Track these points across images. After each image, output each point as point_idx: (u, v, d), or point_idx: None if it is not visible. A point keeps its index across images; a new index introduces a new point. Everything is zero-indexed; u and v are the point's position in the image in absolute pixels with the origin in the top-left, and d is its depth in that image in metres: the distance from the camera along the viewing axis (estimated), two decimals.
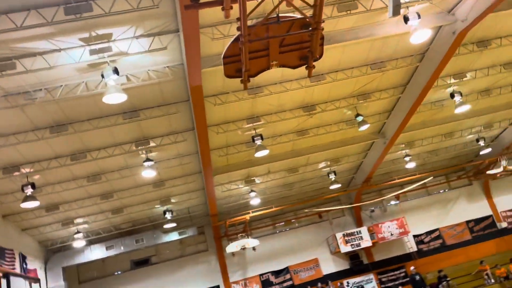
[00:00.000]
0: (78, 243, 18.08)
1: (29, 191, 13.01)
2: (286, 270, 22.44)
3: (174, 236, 20.52)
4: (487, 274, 20.70)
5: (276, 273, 22.36)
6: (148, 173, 14.12)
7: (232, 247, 20.44)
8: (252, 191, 19.51)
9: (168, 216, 18.82)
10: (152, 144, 13.59)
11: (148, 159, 13.76)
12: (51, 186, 14.48)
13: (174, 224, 19.36)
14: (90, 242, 19.64)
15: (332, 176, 19.77)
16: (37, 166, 12.98)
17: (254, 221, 22.51)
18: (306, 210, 22.39)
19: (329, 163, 19.30)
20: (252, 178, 18.75)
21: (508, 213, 23.69)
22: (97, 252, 19.86)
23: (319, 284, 21.40)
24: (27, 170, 12.95)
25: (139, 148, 13.57)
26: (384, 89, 14.48)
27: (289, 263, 22.51)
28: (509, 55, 14.24)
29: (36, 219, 16.62)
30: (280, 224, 23.29)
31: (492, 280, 20.50)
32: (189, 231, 20.73)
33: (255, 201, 19.74)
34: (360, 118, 14.91)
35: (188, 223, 21.22)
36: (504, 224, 23.36)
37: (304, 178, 20.34)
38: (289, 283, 22.17)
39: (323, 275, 22.28)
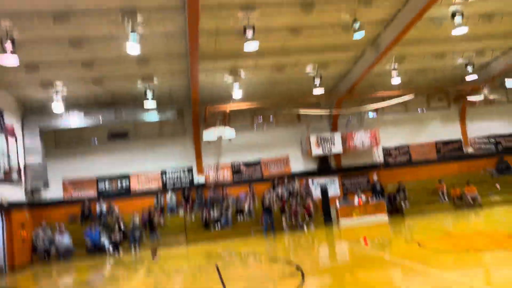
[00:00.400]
0: (57, 108, 18.09)
1: (9, 47, 12.61)
2: (257, 163, 23.51)
3: (153, 116, 20.82)
4: (442, 192, 22.26)
5: (248, 164, 23.45)
6: (133, 47, 13.73)
7: (209, 134, 20.98)
8: (236, 82, 19.46)
9: (149, 95, 18.83)
10: (139, 19, 13.04)
11: (133, 31, 13.29)
12: (31, 45, 14.03)
13: (154, 103, 19.44)
14: (69, 109, 19.70)
15: (317, 81, 19.77)
16: (17, 22, 12.43)
17: (234, 113, 22.86)
18: (286, 110, 22.75)
19: (316, 66, 19.15)
20: (238, 70, 18.59)
21: (476, 140, 24.71)
22: (75, 120, 20.08)
23: (286, 179, 22.72)
24: (7, 24, 12.40)
25: (126, 18, 13.01)
26: None
27: (262, 156, 23.52)
28: None
29: (14, 77, 16.39)
30: (259, 119, 23.75)
31: (446, 199, 22.11)
32: (168, 113, 21.01)
33: (237, 93, 19.79)
34: (357, 25, 14.52)
35: (168, 104, 21.38)
36: (470, 149, 24.51)
37: (289, 78, 20.31)
38: (258, 174, 23.38)
39: (291, 172, 23.49)
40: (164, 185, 22.64)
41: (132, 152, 22.48)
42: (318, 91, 20.16)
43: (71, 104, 19.25)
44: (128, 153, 22.42)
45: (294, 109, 22.68)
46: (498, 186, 22.78)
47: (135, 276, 13.04)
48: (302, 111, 22.76)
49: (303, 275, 9.94)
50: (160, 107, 20.46)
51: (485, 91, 22.08)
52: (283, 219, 20.49)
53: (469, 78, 21.23)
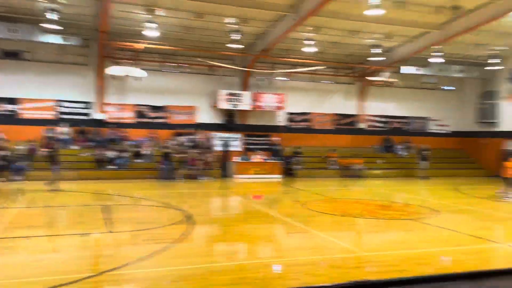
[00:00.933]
0: None
1: None
2: (163, 108, 22.98)
3: (54, 39, 19.07)
4: (333, 161, 23.97)
5: (153, 108, 22.82)
6: None
7: (115, 70, 19.89)
8: (151, 21, 18.44)
9: (52, 15, 17.04)
10: None
11: None
12: None
13: (56, 26, 17.71)
14: None
15: (235, 35, 19.53)
16: None
17: (144, 53, 21.83)
18: (199, 59, 22.30)
19: (236, 20, 18.88)
20: (155, 8, 17.60)
21: (370, 117, 26.74)
22: None
23: (192, 130, 22.67)
24: None
25: None
26: None
27: (168, 103, 23.01)
28: None
29: None
30: (171, 64, 23.00)
31: (335, 166, 23.88)
32: (72, 39, 19.38)
33: (152, 33, 18.81)
34: None
35: (73, 31, 19.66)
36: (363, 125, 26.49)
37: (208, 27, 19.79)
38: (163, 120, 22.94)
39: (196, 122, 23.41)
40: (58, 116, 21.17)
41: (25, 75, 20.53)
42: (235, 45, 19.99)
43: None
44: (21, 75, 20.44)
45: (208, 60, 22.33)
46: (380, 161, 25.12)
47: (10, 209, 12.25)
48: (216, 63, 22.51)
49: (190, 222, 10.19)
50: (63, 31, 18.72)
51: (386, 73, 23.78)
52: (182, 168, 20.54)
53: (374, 58, 22.57)
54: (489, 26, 19.15)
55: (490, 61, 23.77)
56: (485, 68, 25.06)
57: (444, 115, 28.07)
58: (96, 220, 10.32)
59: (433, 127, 28.00)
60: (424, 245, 8.57)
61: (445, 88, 28.04)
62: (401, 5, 17.02)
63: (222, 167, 22.36)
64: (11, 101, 20.53)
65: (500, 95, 25.60)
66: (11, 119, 20.45)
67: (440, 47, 21.77)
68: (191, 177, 20.72)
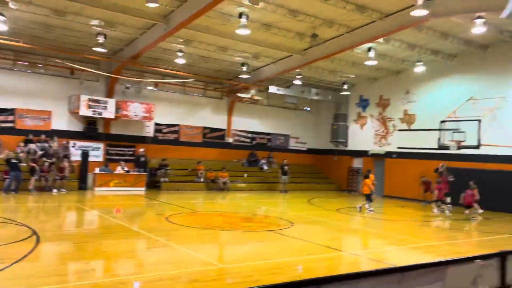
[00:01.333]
0: None
1: None
2: (11, 111, 20.48)
3: None
4: (200, 173, 24.05)
5: None
6: None
7: None
8: (1, 14, 16.42)
9: None
10: None
11: None
12: None
13: None
14: None
15: (101, 38, 18.48)
16: None
17: None
18: (58, 60, 20.54)
19: (103, 23, 17.90)
20: (6, 0, 15.70)
21: (237, 132, 27.62)
22: None
23: (43, 136, 20.59)
24: None
25: None
26: None
27: (18, 105, 20.60)
28: (296, 3, 15.83)
29: None
30: (23, 63, 20.72)
31: (202, 179, 23.99)
32: None
33: (0, 26, 16.75)
34: None
35: None
36: (230, 140, 27.21)
37: (70, 27, 18.34)
38: (10, 125, 20.42)
39: (52, 129, 21.39)
40: None
41: None
42: (100, 49, 18.89)
43: None
44: None
45: (69, 62, 20.69)
46: (245, 175, 26.07)
47: None
48: (77, 66, 20.97)
49: (38, 240, 9.20)
50: None
51: (253, 91, 24.90)
52: (32, 178, 18.47)
53: (242, 76, 23.48)
54: (342, 55, 21.48)
55: (342, 86, 26.62)
56: (338, 92, 27.97)
57: (302, 134, 30.40)
58: None
59: (292, 144, 30.09)
60: (280, 255, 9.05)
61: (305, 108, 30.45)
62: (268, 28, 18.05)
63: (80, 178, 20.74)
64: None
65: (349, 118, 28.73)
66: None
67: (300, 70, 23.68)
68: (43, 189, 18.78)
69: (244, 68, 22.67)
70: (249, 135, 28.17)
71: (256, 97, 25.06)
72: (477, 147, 18.96)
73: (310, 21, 16.97)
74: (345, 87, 26.61)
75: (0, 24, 16.56)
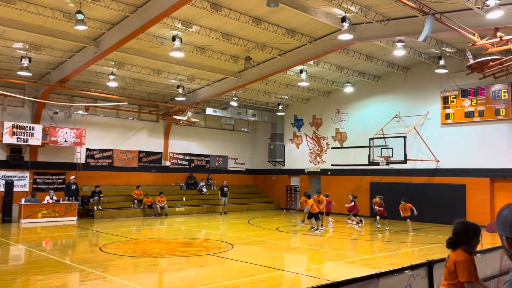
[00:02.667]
0: None
1: None
2: None
3: None
4: (136, 199, 23.24)
5: None
6: None
7: None
8: None
9: None
10: None
11: None
12: None
13: None
14: None
15: (25, 62, 17.57)
16: None
17: None
18: None
19: (27, 46, 17.06)
20: None
21: (175, 155, 27.17)
22: None
23: None
24: None
25: None
26: (116, 0, 13.85)
27: None
28: (229, 27, 16.13)
29: None
30: None
31: (136, 206, 23.21)
32: None
33: None
34: (80, 16, 13.73)
35: None
36: (168, 163, 26.68)
37: None
38: None
39: None
40: None
41: None
42: (24, 73, 17.93)
43: None
44: None
45: None
46: (184, 198, 25.61)
47: None
48: (0, 91, 19.70)
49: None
50: None
51: (189, 113, 24.73)
52: None
53: (178, 98, 23.30)
54: (276, 77, 22.09)
55: (277, 107, 27.27)
56: (274, 113, 28.60)
57: (240, 154, 30.57)
58: None
59: (231, 165, 30.12)
60: (221, 279, 8.94)
61: (242, 129, 30.75)
62: (202, 51, 18.16)
63: (4, 210, 19.24)
64: None
65: (285, 137, 29.40)
66: None
67: (236, 92, 23.98)
68: None
69: (180, 91, 22.53)
70: (187, 157, 27.84)
71: (193, 119, 24.91)
72: (404, 162, 20.13)
73: (243, 44, 17.32)
74: (280, 107, 27.28)
75: None
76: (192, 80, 22.38)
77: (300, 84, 22.19)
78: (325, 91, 26.19)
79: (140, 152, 25.65)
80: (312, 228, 17.08)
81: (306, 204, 17.61)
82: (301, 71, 20.73)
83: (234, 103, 25.40)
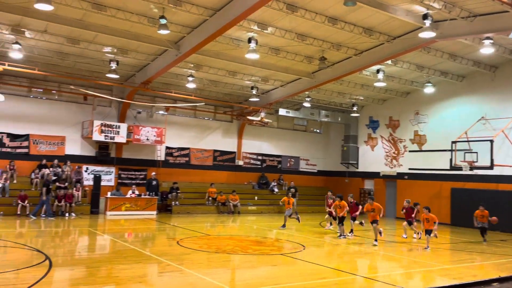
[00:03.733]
0: None
1: None
2: (25, 137, 20.83)
3: None
4: (211, 197, 24.02)
5: (13, 136, 20.54)
6: None
7: None
8: (17, 43, 16.94)
9: None
10: None
11: None
12: None
13: None
14: None
15: (113, 65, 18.91)
16: None
17: (7, 76, 19.85)
18: (72, 87, 20.96)
19: (115, 50, 18.35)
20: (22, 29, 16.23)
21: (248, 155, 27.68)
22: None
23: (56, 161, 20.87)
24: None
25: None
26: (197, 5, 14.43)
27: (32, 131, 20.96)
28: (304, 28, 16.10)
29: None
30: (39, 90, 21.21)
31: (210, 203, 23.96)
32: None
33: (16, 54, 17.25)
34: (163, 21, 14.53)
35: None
36: (241, 162, 27.25)
37: (83, 54, 18.83)
38: (25, 150, 20.73)
39: (65, 154, 21.67)
40: None
41: None
42: (113, 75, 19.29)
43: None
44: None
45: (82, 88, 21.11)
46: (256, 198, 25.99)
47: None
48: (91, 92, 21.38)
49: (50, 265, 9.24)
50: None
51: (262, 114, 25.07)
52: (44, 204, 18.64)
53: (252, 99, 23.72)
54: (351, 77, 21.65)
55: (351, 108, 26.71)
56: (348, 114, 28.04)
57: (312, 155, 30.35)
58: None
59: (303, 166, 30.01)
60: (292, 279, 8.96)
61: (315, 130, 30.54)
62: (277, 52, 18.32)
63: (92, 203, 20.86)
64: None
65: (359, 139, 28.68)
66: None
67: (309, 93, 23.86)
68: (56, 214, 18.90)
69: (254, 92, 22.91)
70: (259, 157, 28.21)
71: (266, 120, 25.20)
72: (490, 167, 18.75)
73: (318, 44, 17.20)
74: (355, 108, 26.68)
75: (16, 52, 17.08)
76: (266, 81, 22.64)
77: (376, 84, 21.54)
78: (403, 91, 25.17)
79: (215, 151, 26.46)
80: (340, 235, 15.69)
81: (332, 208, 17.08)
82: (378, 71, 20.12)
83: (307, 104, 25.28)
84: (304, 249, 12.89)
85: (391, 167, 26.28)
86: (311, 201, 27.47)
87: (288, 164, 29.38)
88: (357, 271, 10.84)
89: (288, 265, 10.72)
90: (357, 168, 28.59)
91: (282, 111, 26.19)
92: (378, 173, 26.93)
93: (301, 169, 29.82)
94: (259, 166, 28.21)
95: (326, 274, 9.72)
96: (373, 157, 27.56)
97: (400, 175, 25.48)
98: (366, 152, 28.19)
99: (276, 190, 27.25)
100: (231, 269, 10.45)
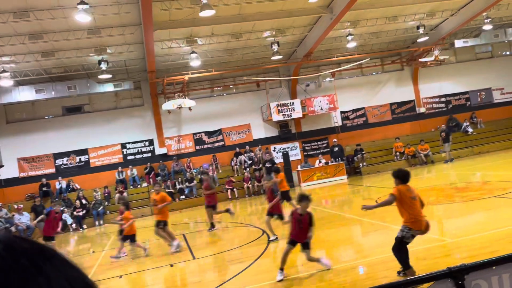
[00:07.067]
0: (5, 82, 17.26)
1: None
2: (219, 132, 23.55)
3: (109, 88, 20.15)
4: (398, 151, 23.20)
5: (209, 134, 23.45)
6: (82, 17, 13.22)
7: (168, 105, 20.72)
8: (193, 52, 19.17)
9: (103, 66, 18.25)
10: None
11: (82, 2, 12.75)
12: None
13: (109, 76, 18.92)
14: (19, 83, 18.90)
15: (275, 47, 19.78)
16: None
17: (193, 83, 22.62)
18: (245, 78, 22.72)
19: (274, 33, 19.13)
20: (194, 39, 18.28)
21: (428, 100, 25.73)
22: (26, 94, 19.16)
23: (247, 147, 23.00)
24: None
25: None
26: None
27: (223, 125, 23.54)
28: None
29: None
30: (218, 88, 23.64)
31: (399, 158, 23.13)
32: (125, 84, 20.41)
33: (195, 62, 19.54)
34: None
35: (124, 76, 20.86)
36: (422, 109, 25.51)
37: (247, 45, 20.20)
38: (221, 143, 23.49)
39: (253, 139, 23.73)
40: (125, 158, 22.31)
41: (89, 126, 21.86)
42: (276, 57, 20.21)
43: (20, 78, 18.43)
44: (85, 127, 21.80)
45: (253, 76, 22.69)
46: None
47: (97, 253, 13.01)
48: (261, 78, 22.81)
49: (269, 238, 10.30)
50: (115, 79, 19.95)
51: (436, 52, 22.85)
52: (245, 186, 20.85)
53: (420, 39, 21.84)
54: None
55: None
56: None
57: (508, 83, 26.37)
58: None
59: (497, 97, 26.39)
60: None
61: (504, 53, 26.45)
62: None
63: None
64: (81, 152, 21.89)
65: None
66: (84, 169, 21.80)
67: (488, 13, 20.70)
68: (257, 193, 20.92)
69: (421, 31, 21.08)
70: (443, 99, 25.91)
71: (441, 57, 22.91)
72: None
73: None
74: None
75: (195, 60, 19.32)
76: (433, 15, 20.53)
77: None
78: None
79: (391, 104, 25.37)
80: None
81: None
82: None
83: (487, 27, 21.99)
84: None
85: None
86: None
87: (479, 99, 26.22)
88: None
89: (505, 207, 9.70)
90: None
91: (458, 43, 23.38)
92: None
93: (496, 101, 26.30)
94: (444, 109, 25.92)
95: None
96: None
97: None
98: None
99: (470, 130, 24.69)
100: (439, 219, 9.99)
